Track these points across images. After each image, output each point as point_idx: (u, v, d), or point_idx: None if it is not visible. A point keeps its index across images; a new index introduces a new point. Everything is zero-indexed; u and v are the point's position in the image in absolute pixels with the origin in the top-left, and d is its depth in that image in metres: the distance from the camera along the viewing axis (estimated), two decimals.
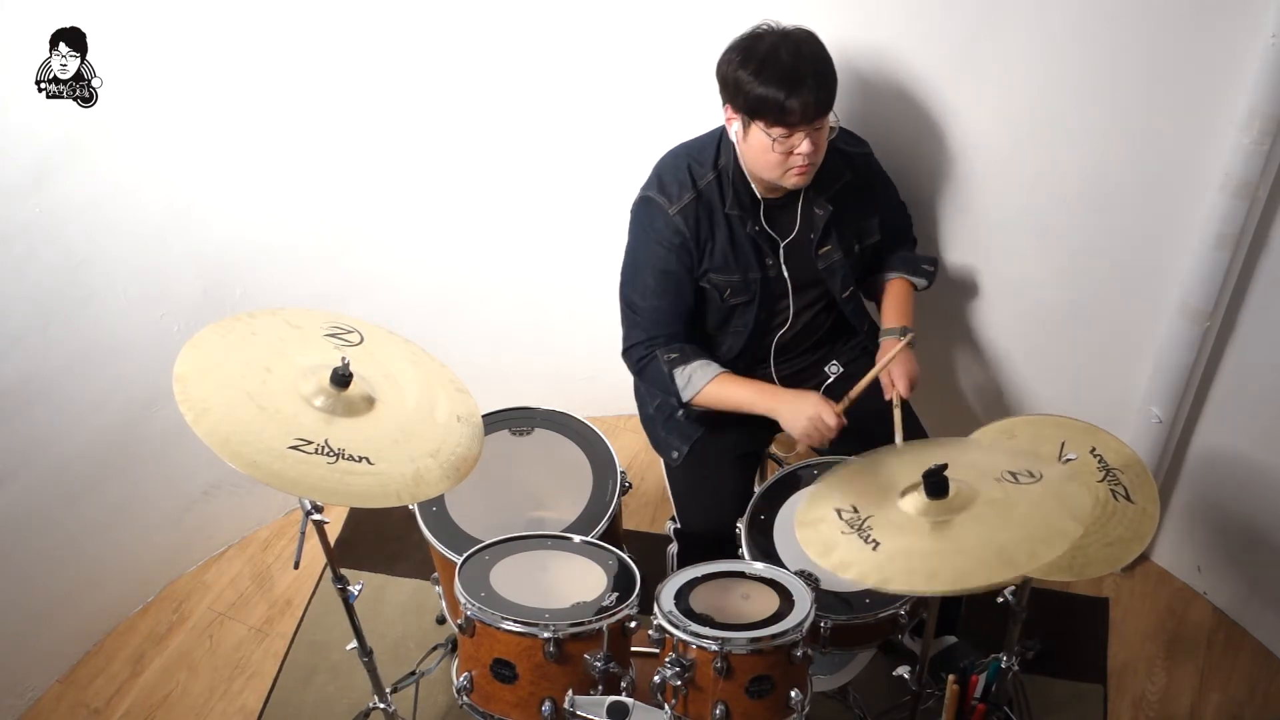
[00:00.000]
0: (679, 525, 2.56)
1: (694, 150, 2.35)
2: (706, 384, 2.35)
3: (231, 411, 1.83)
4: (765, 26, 2.18)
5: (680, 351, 2.36)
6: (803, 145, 2.17)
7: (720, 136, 2.31)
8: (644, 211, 2.36)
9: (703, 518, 2.49)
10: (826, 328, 2.55)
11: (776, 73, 2.11)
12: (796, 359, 2.54)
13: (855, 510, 2.00)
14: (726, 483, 2.49)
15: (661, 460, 2.59)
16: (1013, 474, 1.98)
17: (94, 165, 2.50)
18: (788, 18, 2.21)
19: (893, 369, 2.40)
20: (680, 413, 2.49)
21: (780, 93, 2.11)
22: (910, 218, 2.61)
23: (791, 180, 2.24)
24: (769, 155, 2.20)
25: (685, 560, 2.45)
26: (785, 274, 2.39)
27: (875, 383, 2.39)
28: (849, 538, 1.95)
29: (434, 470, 1.92)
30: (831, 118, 2.20)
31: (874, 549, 1.91)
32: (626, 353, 2.42)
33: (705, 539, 2.45)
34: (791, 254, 2.38)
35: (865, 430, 2.33)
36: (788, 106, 2.12)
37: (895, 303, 2.51)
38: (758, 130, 2.18)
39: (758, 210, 2.33)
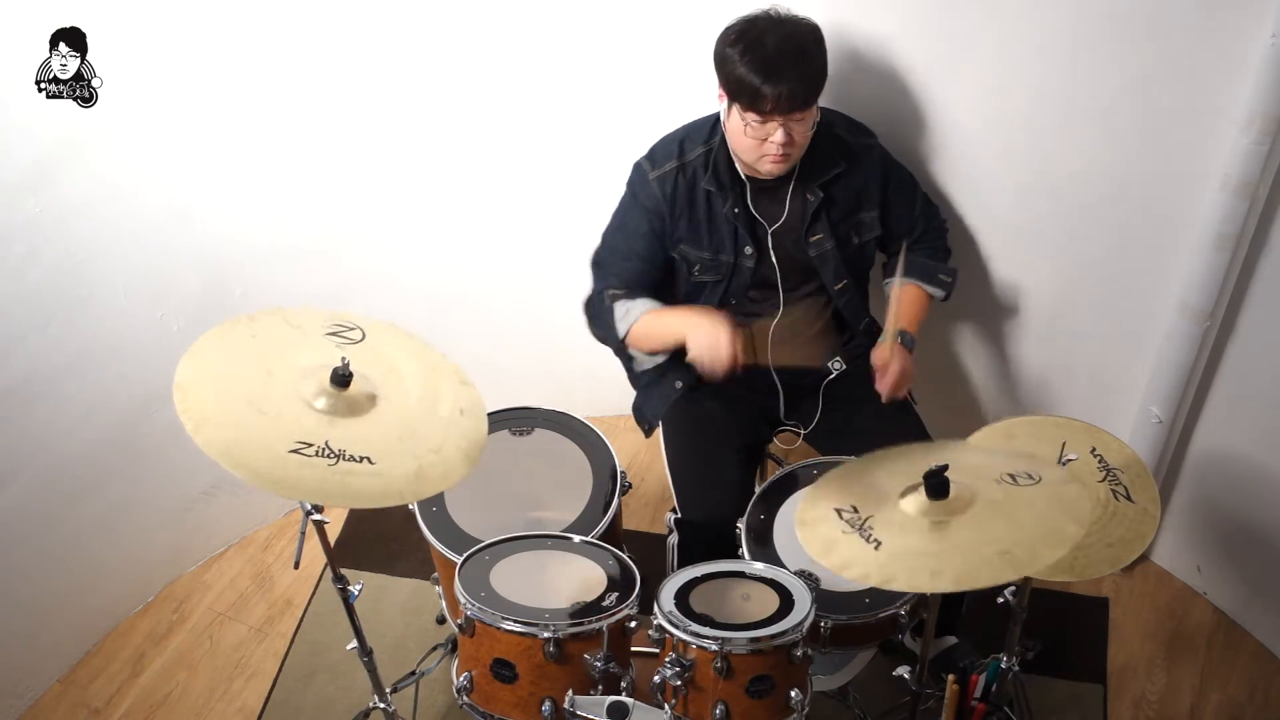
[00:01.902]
0: (679, 515, 2.55)
1: (693, 128, 2.38)
2: (640, 318, 2.36)
3: (232, 418, 1.83)
4: (772, 11, 2.19)
5: (627, 290, 2.38)
6: (777, 134, 2.18)
7: (719, 118, 2.32)
8: (632, 176, 2.41)
9: (704, 508, 2.48)
10: (824, 320, 2.53)
11: (759, 58, 2.12)
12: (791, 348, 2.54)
13: (855, 510, 2.00)
14: (728, 473, 2.48)
15: (664, 456, 2.58)
16: (1012, 476, 1.98)
17: (94, 165, 2.50)
18: (790, 7, 2.22)
19: (887, 366, 2.36)
20: (677, 382, 2.49)
21: (757, 78, 2.12)
22: (943, 223, 2.56)
23: (766, 167, 2.24)
24: (744, 139, 2.22)
25: (685, 552, 2.45)
26: (774, 260, 2.39)
27: (863, 383, 2.39)
28: (850, 537, 1.94)
29: (437, 466, 1.91)
30: (815, 112, 2.21)
31: (875, 548, 1.91)
32: (586, 303, 2.44)
33: (706, 530, 2.44)
34: (780, 241, 2.38)
35: (864, 433, 2.32)
36: (762, 93, 2.12)
37: (906, 303, 2.46)
38: (736, 112, 2.20)
39: (741, 191, 2.33)
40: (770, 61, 2.12)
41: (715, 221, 2.35)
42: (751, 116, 2.17)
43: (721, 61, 2.18)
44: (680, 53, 2.55)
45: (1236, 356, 2.56)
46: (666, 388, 2.54)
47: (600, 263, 2.45)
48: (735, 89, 2.17)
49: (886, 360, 2.36)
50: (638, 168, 2.39)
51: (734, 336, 2.25)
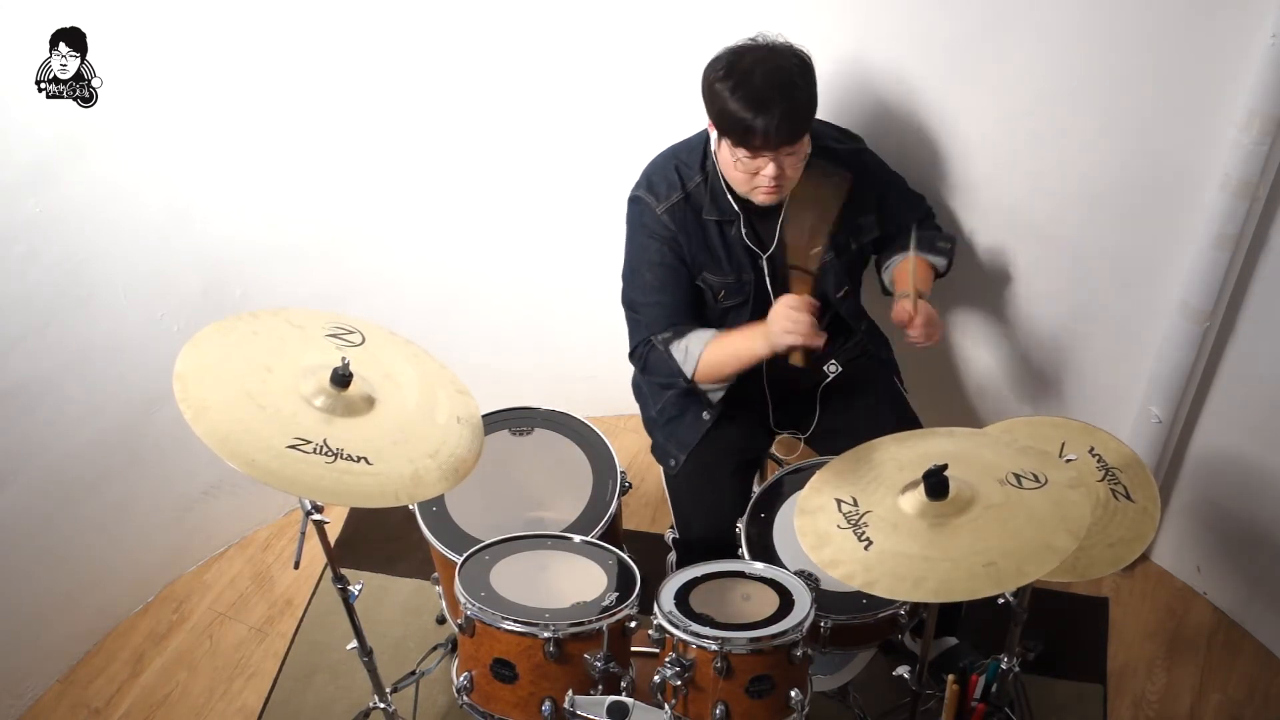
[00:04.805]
0: (678, 535, 2.56)
1: (682, 152, 2.35)
2: (703, 350, 2.31)
3: (231, 410, 1.84)
4: (757, 39, 2.16)
5: (674, 329, 2.34)
6: (768, 169, 2.17)
7: (708, 138, 2.31)
8: (635, 210, 2.36)
9: (702, 526, 2.49)
10: (821, 328, 2.53)
11: (747, 93, 2.10)
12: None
13: (855, 503, 2.00)
14: (725, 492, 2.48)
15: (661, 477, 2.59)
16: (1017, 476, 1.98)
17: (94, 165, 2.50)
18: (787, 19, 2.21)
19: (912, 317, 2.30)
20: (705, 414, 2.46)
21: (747, 114, 2.10)
22: (930, 209, 2.56)
23: (759, 198, 2.23)
24: (735, 172, 2.20)
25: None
26: (767, 282, 2.39)
27: (884, 393, 2.38)
28: (844, 533, 1.95)
29: (433, 471, 1.92)
30: (805, 144, 2.19)
31: (866, 548, 1.91)
32: (633, 353, 2.42)
33: (704, 548, 2.44)
34: (776, 262, 2.38)
35: (862, 431, 2.32)
36: (752, 128, 2.10)
37: (910, 272, 2.39)
38: (726, 146, 2.18)
39: (738, 217, 2.32)
40: (759, 97, 2.09)
41: (730, 244, 2.33)
42: (741, 152, 2.15)
43: (710, 95, 2.16)
44: (676, 57, 2.55)
45: (1236, 356, 2.56)
46: (691, 421, 2.50)
47: (633, 305, 2.39)
48: (724, 124, 2.15)
49: (910, 312, 2.30)
50: (640, 202, 2.34)
51: (800, 301, 2.17)
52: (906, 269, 2.41)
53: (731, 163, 2.19)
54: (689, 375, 2.34)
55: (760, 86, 2.10)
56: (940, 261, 2.49)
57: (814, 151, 2.27)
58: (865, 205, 2.43)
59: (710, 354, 2.32)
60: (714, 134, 2.23)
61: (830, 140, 2.37)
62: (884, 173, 2.49)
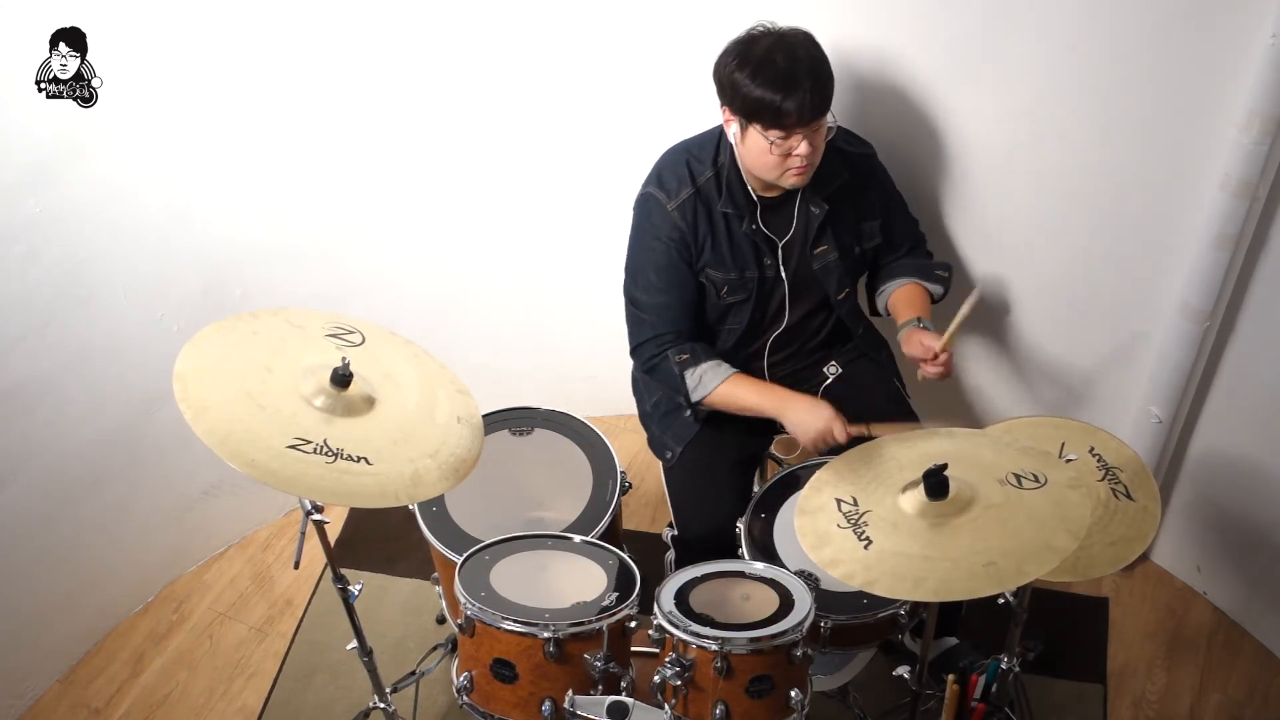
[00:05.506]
0: (676, 532, 2.55)
1: (694, 147, 2.36)
2: (718, 385, 2.35)
3: (231, 410, 1.84)
4: (761, 28, 2.18)
5: (691, 352, 2.36)
6: (801, 147, 2.18)
7: (720, 134, 2.31)
8: (644, 207, 2.37)
9: (700, 524, 2.49)
10: (825, 331, 2.54)
11: (772, 75, 2.12)
12: (791, 359, 2.54)
13: (855, 503, 2.01)
14: (724, 489, 2.48)
15: (660, 474, 2.59)
16: (1017, 476, 1.98)
17: (94, 165, 2.50)
18: (789, 18, 2.22)
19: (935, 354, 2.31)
20: (688, 413, 2.48)
21: (776, 95, 2.11)
22: (922, 232, 2.58)
23: (790, 180, 2.24)
24: (767, 157, 2.20)
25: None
26: (782, 274, 2.39)
27: (885, 393, 2.39)
28: (844, 533, 1.95)
29: (433, 471, 1.92)
30: (829, 118, 2.20)
31: (866, 547, 1.92)
32: (635, 351, 2.42)
33: (703, 546, 2.44)
34: (789, 254, 2.38)
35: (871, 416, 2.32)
36: (784, 109, 2.12)
37: (910, 301, 2.46)
38: (755, 133, 2.18)
39: (754, 210, 2.33)
40: (785, 76, 2.11)
41: (736, 241, 2.34)
42: (775, 134, 2.16)
43: (731, 87, 2.16)
44: (678, 57, 2.55)
45: (1236, 356, 2.56)
46: (688, 415, 2.51)
47: (636, 303, 2.40)
48: (753, 110, 2.15)
49: (935, 349, 2.29)
50: (651, 199, 2.34)
51: (839, 419, 2.25)
52: (907, 297, 2.45)
53: (765, 148, 2.19)
54: (694, 401, 2.38)
55: (783, 67, 2.12)
56: (937, 290, 2.51)
57: (825, 152, 2.27)
58: (869, 210, 2.44)
59: (723, 393, 2.36)
60: (732, 127, 2.23)
61: (841, 142, 2.38)
62: (890, 186, 2.50)
